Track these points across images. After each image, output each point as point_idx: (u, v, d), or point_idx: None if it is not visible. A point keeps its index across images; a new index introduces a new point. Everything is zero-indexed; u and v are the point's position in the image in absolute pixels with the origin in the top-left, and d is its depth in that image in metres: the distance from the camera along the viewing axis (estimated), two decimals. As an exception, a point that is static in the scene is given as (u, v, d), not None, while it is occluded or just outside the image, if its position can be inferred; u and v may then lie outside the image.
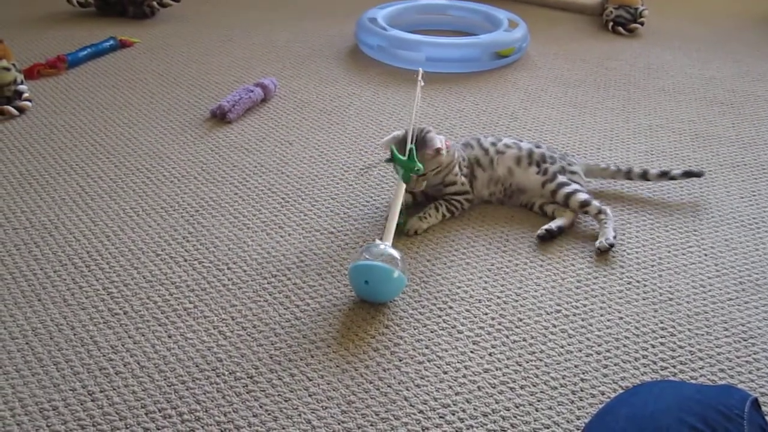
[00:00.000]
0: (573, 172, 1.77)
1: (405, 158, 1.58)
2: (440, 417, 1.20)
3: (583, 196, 1.71)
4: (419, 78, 1.67)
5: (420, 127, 1.66)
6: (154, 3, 3.05)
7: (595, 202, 1.70)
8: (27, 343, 1.31)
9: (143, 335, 1.34)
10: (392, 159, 1.61)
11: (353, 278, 1.44)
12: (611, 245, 1.61)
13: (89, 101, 2.29)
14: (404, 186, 1.58)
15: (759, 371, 1.31)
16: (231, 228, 1.67)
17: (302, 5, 3.36)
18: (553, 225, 1.66)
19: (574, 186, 1.73)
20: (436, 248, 1.62)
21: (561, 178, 1.74)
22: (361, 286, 1.43)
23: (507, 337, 1.37)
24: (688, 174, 1.83)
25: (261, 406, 1.20)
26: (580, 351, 1.34)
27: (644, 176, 1.83)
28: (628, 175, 1.84)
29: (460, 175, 1.72)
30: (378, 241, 1.47)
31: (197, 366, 1.28)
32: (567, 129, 2.19)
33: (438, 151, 1.63)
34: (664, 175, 1.83)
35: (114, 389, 1.22)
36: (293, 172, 1.90)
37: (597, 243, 1.63)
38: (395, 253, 1.44)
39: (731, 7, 3.58)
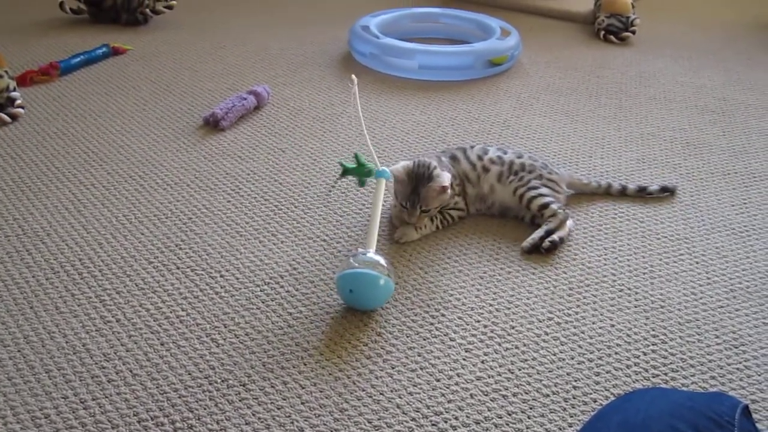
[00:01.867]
0: (551, 180, 1.78)
1: (355, 166, 1.64)
2: (432, 424, 1.20)
3: (544, 200, 1.71)
4: (354, 85, 1.63)
5: (426, 162, 1.65)
6: (147, 10, 3.05)
7: (554, 206, 1.70)
8: (19, 351, 1.31)
9: (136, 343, 1.34)
10: (346, 172, 1.66)
11: (340, 288, 1.44)
12: (532, 247, 1.64)
13: (82, 108, 2.29)
14: (382, 192, 1.58)
15: (750, 378, 1.32)
16: (224, 235, 1.67)
17: (295, 13, 3.37)
18: (555, 236, 1.65)
19: (540, 190, 1.73)
20: (429, 256, 1.62)
21: (531, 183, 1.75)
22: (349, 295, 1.43)
23: (499, 344, 1.37)
24: (663, 189, 1.88)
25: (253, 414, 1.20)
26: (572, 358, 1.35)
27: (623, 192, 1.87)
28: (608, 190, 1.87)
29: (453, 195, 1.72)
30: (361, 250, 1.48)
31: (189, 374, 1.28)
32: (559, 137, 2.20)
33: (444, 189, 1.63)
34: (642, 191, 1.87)
35: (106, 397, 1.22)
36: (286, 180, 1.90)
37: (524, 242, 1.66)
38: (380, 260, 1.45)
39: (722, 16, 3.60)
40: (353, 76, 1.62)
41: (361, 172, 1.64)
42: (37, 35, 2.90)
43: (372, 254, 1.46)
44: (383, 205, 1.72)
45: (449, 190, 1.65)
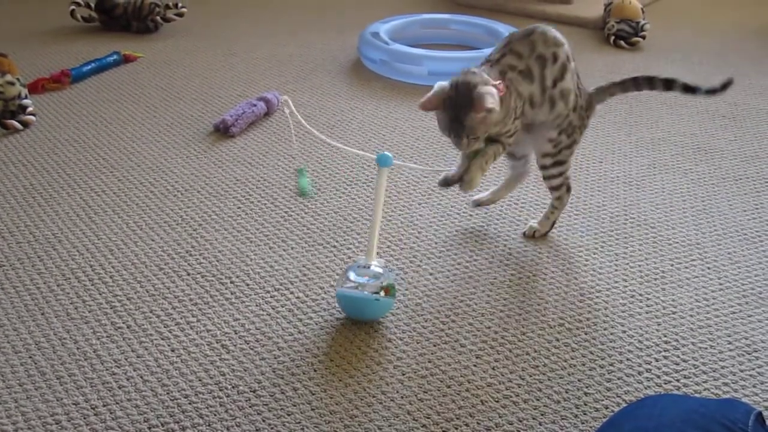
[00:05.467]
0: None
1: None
2: (443, 431, 1.19)
3: (556, 181, 1.64)
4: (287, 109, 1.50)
5: (467, 80, 1.40)
6: (158, 18, 3.06)
7: (558, 193, 1.66)
8: (30, 357, 1.32)
9: (146, 349, 1.34)
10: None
11: (339, 303, 1.43)
12: (534, 233, 1.70)
13: (93, 115, 2.30)
14: (384, 186, 1.44)
15: (763, 385, 1.31)
16: (234, 242, 1.67)
17: (305, 19, 3.37)
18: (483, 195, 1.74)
19: (561, 168, 1.62)
20: (439, 262, 1.62)
21: (562, 156, 1.60)
22: (348, 311, 1.43)
23: (510, 351, 1.37)
24: (721, 87, 1.65)
25: (263, 420, 1.20)
26: (584, 365, 1.34)
27: (668, 86, 1.67)
28: (651, 83, 1.68)
29: (514, 119, 1.48)
30: (361, 259, 1.45)
31: (200, 380, 1.28)
32: (569, 142, 2.20)
33: (489, 111, 1.37)
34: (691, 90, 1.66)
35: (117, 403, 1.22)
36: (296, 186, 1.91)
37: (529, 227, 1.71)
38: (378, 270, 1.41)
39: (733, 20, 3.59)
40: (286, 98, 1.51)
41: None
42: (49, 43, 2.92)
43: (372, 266, 1.42)
44: (389, 212, 1.71)
45: (497, 109, 1.38)
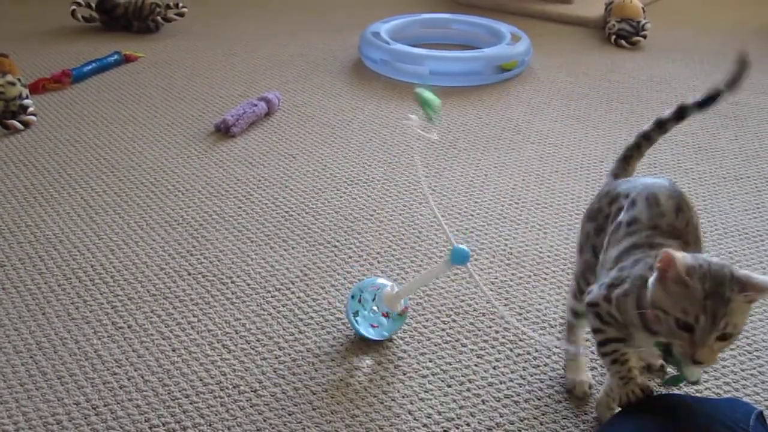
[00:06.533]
0: None
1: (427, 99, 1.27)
2: (444, 431, 1.19)
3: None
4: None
5: (720, 263, 0.99)
6: (159, 18, 3.06)
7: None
8: (31, 357, 1.32)
9: (147, 349, 1.34)
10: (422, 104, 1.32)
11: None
12: None
13: (94, 115, 2.30)
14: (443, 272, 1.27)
15: (764, 384, 1.31)
16: (235, 242, 1.67)
17: (305, 19, 3.37)
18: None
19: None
20: (439, 261, 1.62)
21: None
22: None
23: (511, 350, 1.37)
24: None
25: (264, 420, 1.20)
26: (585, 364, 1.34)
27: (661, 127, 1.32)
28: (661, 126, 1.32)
29: None
30: (386, 286, 1.38)
31: (201, 380, 1.28)
32: (570, 142, 2.20)
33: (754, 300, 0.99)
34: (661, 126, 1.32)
35: (118, 403, 1.22)
36: (297, 186, 1.91)
37: None
38: (384, 305, 1.37)
39: (733, 20, 3.59)
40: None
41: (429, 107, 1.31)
42: (49, 43, 2.92)
43: (384, 292, 1.37)
44: (387, 211, 1.71)
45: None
